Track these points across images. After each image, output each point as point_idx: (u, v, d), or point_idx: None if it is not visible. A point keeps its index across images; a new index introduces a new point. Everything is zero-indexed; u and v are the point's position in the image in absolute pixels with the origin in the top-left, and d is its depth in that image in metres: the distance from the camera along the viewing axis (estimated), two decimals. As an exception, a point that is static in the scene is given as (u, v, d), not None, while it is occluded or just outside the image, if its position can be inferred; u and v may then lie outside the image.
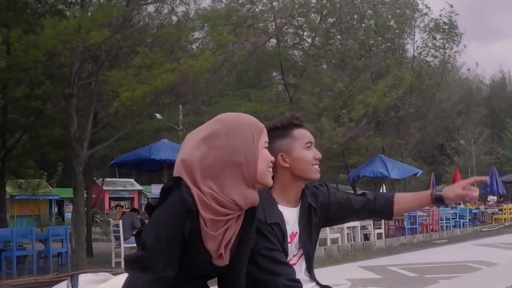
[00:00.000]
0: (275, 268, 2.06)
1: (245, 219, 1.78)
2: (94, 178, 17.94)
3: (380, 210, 2.36)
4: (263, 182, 1.74)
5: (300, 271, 2.21)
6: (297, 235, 2.20)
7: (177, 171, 1.69)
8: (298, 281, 2.11)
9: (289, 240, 2.17)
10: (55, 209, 32.66)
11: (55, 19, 9.78)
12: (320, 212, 2.29)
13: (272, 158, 1.76)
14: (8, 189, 25.04)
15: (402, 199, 2.36)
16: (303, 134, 2.21)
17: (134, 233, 10.53)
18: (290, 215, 2.19)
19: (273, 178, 2.22)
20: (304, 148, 2.19)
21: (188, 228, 1.64)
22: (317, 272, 2.33)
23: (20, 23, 10.04)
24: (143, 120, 12.85)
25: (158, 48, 12.84)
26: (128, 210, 20.28)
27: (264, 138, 1.75)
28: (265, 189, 2.21)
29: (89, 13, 10.23)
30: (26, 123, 14.02)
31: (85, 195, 13.22)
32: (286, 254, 2.15)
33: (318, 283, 2.28)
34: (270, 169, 1.75)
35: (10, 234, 10.35)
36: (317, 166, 2.22)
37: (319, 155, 2.23)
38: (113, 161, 13.26)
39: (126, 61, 12.27)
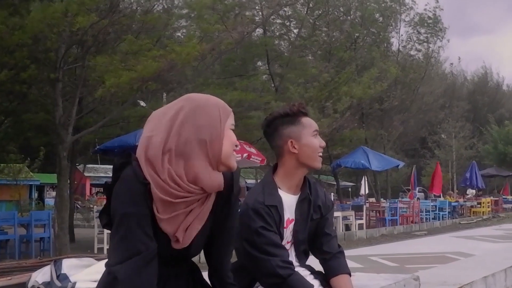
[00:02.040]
0: (270, 249, 2.13)
1: (223, 207, 1.74)
2: (77, 164, 17.82)
3: (324, 268, 2.33)
4: (227, 164, 1.65)
5: (292, 258, 2.27)
6: (293, 222, 2.26)
7: (140, 149, 1.62)
8: (291, 263, 2.18)
9: (285, 225, 2.23)
10: (35, 195, 32.37)
11: (42, 3, 9.66)
12: (318, 210, 2.32)
13: (236, 142, 1.67)
14: (-12, 174, 24.76)
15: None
16: (310, 122, 2.28)
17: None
18: (289, 201, 2.25)
19: (277, 163, 2.29)
20: (312, 136, 2.25)
21: (149, 203, 1.59)
22: (314, 260, 2.39)
23: (5, 6, 9.91)
24: (128, 106, 12.78)
25: (145, 34, 12.77)
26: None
27: (231, 120, 1.68)
28: (268, 173, 2.31)
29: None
30: (10, 107, 13.85)
31: (68, 181, 13.16)
32: (282, 238, 2.22)
33: (309, 269, 2.34)
34: (235, 152, 1.68)
35: (-8, 218, 10.30)
36: (321, 155, 2.29)
37: (323, 143, 2.29)
38: (98, 147, 13.18)
39: (113, 47, 12.18)
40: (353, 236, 13.95)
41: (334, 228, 2.50)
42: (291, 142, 2.23)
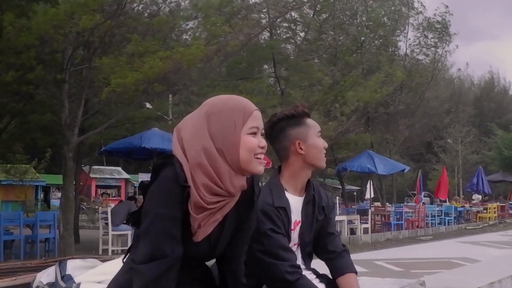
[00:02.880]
0: (279, 253, 2.11)
1: (245, 206, 1.76)
2: (82, 165, 17.85)
3: (330, 268, 2.32)
4: (249, 170, 1.64)
5: (298, 261, 2.25)
6: (299, 224, 2.25)
7: (177, 154, 1.64)
8: (299, 267, 2.16)
9: (292, 227, 2.22)
10: (41, 195, 32.46)
11: (47, 5, 9.70)
12: (322, 211, 2.32)
13: (256, 147, 1.64)
14: (-5, 174, 24.86)
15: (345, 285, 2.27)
16: (314, 123, 2.29)
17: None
18: (295, 203, 2.24)
19: (282, 165, 2.27)
20: (317, 137, 2.26)
21: (184, 205, 1.60)
22: (319, 263, 2.37)
23: (13, 8, 9.95)
24: (134, 108, 12.79)
25: (151, 36, 12.79)
26: (115, 198, 20.21)
27: (251, 123, 1.64)
28: (273, 175, 2.29)
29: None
30: (16, 108, 13.89)
31: (73, 182, 13.18)
32: (289, 240, 2.21)
33: (314, 272, 2.33)
34: (259, 156, 1.65)
35: (-3, 219, 10.30)
36: (324, 155, 2.29)
37: (326, 144, 2.31)
38: (103, 148, 13.22)
39: (119, 48, 12.20)
40: (358, 240, 13.90)
41: (336, 228, 2.49)
42: (298, 143, 2.23)
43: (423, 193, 27.49)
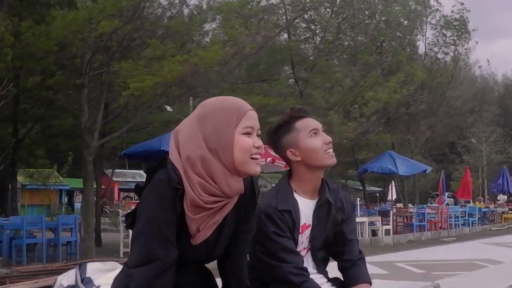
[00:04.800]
0: (283, 255, 2.06)
1: (245, 207, 1.75)
2: (104, 169, 18.05)
3: (344, 276, 2.26)
4: (245, 171, 1.62)
5: (308, 265, 2.20)
6: (309, 228, 2.18)
7: (173, 156, 1.64)
8: (305, 269, 2.11)
9: (300, 230, 2.16)
10: (65, 199, 32.92)
11: (65, 10, 9.83)
12: (339, 213, 2.24)
13: (250, 146, 1.62)
14: (20, 179, 25.34)
15: None
16: (306, 124, 2.18)
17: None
18: (306, 206, 2.18)
19: (291, 170, 2.22)
20: (310, 137, 2.15)
21: (179, 207, 1.59)
22: (331, 266, 2.32)
23: (32, 14, 10.11)
24: (153, 112, 12.88)
25: (170, 40, 12.85)
26: (137, 201, 20.34)
27: (246, 122, 1.62)
28: (283, 177, 2.25)
29: (99, 4, 10.25)
30: (38, 113, 14.12)
31: (95, 186, 13.31)
32: (296, 243, 2.15)
33: (326, 276, 2.26)
34: (254, 156, 1.62)
35: (21, 222, 10.46)
36: (330, 151, 2.17)
37: (328, 139, 2.18)
38: (123, 152, 13.32)
39: (138, 52, 12.30)
40: (380, 242, 13.75)
41: (356, 233, 2.41)
42: (290, 151, 2.16)
43: (446, 194, 27.11)
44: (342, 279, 2.27)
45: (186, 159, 1.60)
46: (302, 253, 2.19)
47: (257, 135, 1.66)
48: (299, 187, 2.19)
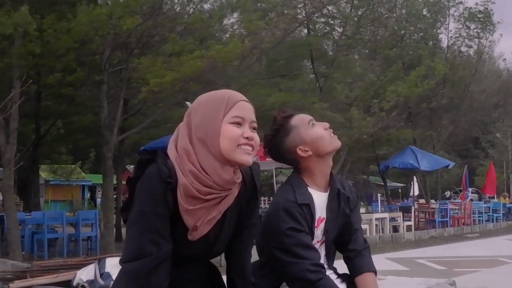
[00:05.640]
0: (300, 251, 2.03)
1: (246, 202, 1.72)
2: (126, 166, 18.19)
3: (349, 266, 2.25)
4: (233, 160, 1.58)
5: (321, 258, 2.18)
6: (324, 221, 2.17)
7: (171, 148, 1.65)
8: (322, 266, 2.08)
9: (316, 224, 2.14)
10: (87, 195, 33.34)
11: (89, 7, 9.90)
12: (347, 204, 2.24)
13: (237, 135, 1.58)
14: (44, 174, 25.77)
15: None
16: (300, 119, 2.17)
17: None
18: (320, 199, 2.16)
19: (301, 166, 2.17)
20: (311, 128, 2.15)
21: (170, 201, 1.56)
22: (342, 263, 2.30)
23: (53, 11, 10.19)
24: (172, 107, 12.91)
25: (190, 36, 12.85)
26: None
27: (234, 112, 1.60)
28: (294, 173, 2.21)
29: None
30: (59, 109, 14.28)
31: (115, 181, 13.42)
32: (312, 238, 2.13)
33: (335, 272, 2.25)
34: (243, 147, 1.59)
35: (42, 218, 10.61)
36: (333, 133, 2.17)
37: (326, 124, 2.18)
38: (142, 148, 13.41)
39: (157, 48, 12.34)
40: (401, 238, 13.62)
41: (361, 222, 2.39)
42: (300, 149, 2.13)
43: (470, 190, 26.72)
44: (347, 272, 2.26)
45: (180, 149, 1.61)
46: (316, 246, 2.16)
47: (253, 128, 1.63)
48: (312, 181, 2.16)
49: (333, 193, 2.17)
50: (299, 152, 2.12)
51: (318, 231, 2.16)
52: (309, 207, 2.09)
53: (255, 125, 1.64)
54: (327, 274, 2.07)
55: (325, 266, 2.18)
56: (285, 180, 2.28)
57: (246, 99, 1.65)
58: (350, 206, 2.25)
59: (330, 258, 2.25)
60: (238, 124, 1.60)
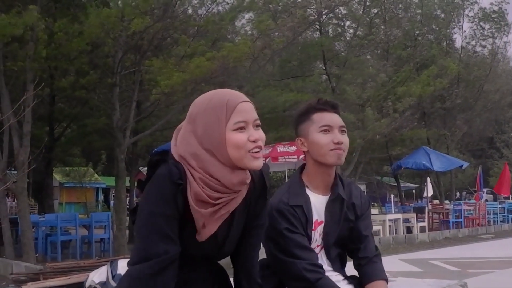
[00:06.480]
0: (296, 251, 2.02)
1: (255, 202, 1.71)
2: (140, 168, 18.28)
3: (360, 274, 2.19)
4: (244, 167, 1.56)
5: (323, 262, 2.15)
6: (322, 224, 2.13)
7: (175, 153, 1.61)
8: (320, 266, 2.06)
9: (313, 227, 2.11)
10: (101, 197, 33.53)
11: (99, 8, 9.97)
12: (352, 209, 2.20)
13: (244, 142, 1.55)
14: (58, 177, 25.97)
15: None
16: (321, 118, 2.13)
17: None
18: (318, 202, 2.13)
19: (305, 159, 2.19)
20: (320, 132, 2.11)
21: (180, 202, 1.55)
22: (349, 268, 2.27)
23: (65, 15, 10.27)
24: (185, 109, 12.94)
25: (202, 38, 12.88)
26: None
27: (236, 118, 1.55)
28: (295, 172, 2.22)
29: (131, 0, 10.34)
30: (73, 112, 14.39)
31: (128, 183, 13.47)
32: (309, 240, 2.10)
33: (343, 274, 2.21)
34: (253, 151, 1.55)
35: (55, 220, 10.69)
36: (338, 151, 2.10)
37: (338, 139, 2.10)
38: (154, 150, 13.49)
39: (169, 51, 12.39)
40: (415, 239, 13.51)
41: (371, 229, 2.34)
42: (300, 140, 2.16)
43: (485, 190, 26.41)
44: (357, 277, 2.21)
45: (180, 158, 1.58)
46: (316, 251, 2.14)
47: (256, 126, 1.59)
48: (310, 182, 2.15)
49: (333, 197, 2.14)
50: (298, 142, 2.17)
51: (316, 234, 2.13)
52: (302, 208, 2.07)
53: (258, 122, 1.60)
54: (326, 275, 2.05)
55: (330, 269, 2.15)
56: None
57: (245, 98, 1.61)
58: (356, 212, 2.19)
59: (335, 262, 2.20)
60: (242, 129, 1.56)
